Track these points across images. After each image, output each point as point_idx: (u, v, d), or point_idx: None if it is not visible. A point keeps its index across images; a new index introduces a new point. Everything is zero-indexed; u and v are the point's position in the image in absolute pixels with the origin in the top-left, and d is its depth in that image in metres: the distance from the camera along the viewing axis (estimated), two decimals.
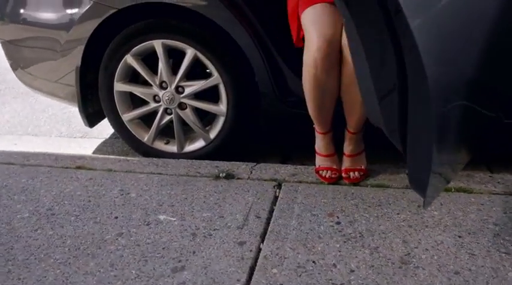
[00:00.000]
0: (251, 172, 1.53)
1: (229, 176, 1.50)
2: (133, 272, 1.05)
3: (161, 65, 1.76)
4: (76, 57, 1.83)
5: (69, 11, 1.80)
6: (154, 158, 1.73)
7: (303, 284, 0.99)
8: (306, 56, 1.30)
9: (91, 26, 1.73)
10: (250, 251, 1.11)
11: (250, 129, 1.79)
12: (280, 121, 1.83)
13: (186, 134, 1.87)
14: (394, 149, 0.99)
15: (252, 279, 1.01)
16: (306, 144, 1.53)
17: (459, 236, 1.13)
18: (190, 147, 1.87)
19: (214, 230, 1.20)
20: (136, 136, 1.91)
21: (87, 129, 2.53)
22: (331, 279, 1.00)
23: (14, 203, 1.39)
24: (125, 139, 1.95)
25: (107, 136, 2.39)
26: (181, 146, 1.86)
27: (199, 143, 1.85)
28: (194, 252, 1.11)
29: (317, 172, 1.48)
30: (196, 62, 1.72)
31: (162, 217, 1.28)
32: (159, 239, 1.18)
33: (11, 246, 1.17)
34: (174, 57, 1.75)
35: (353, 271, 1.03)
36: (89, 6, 1.73)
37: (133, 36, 1.74)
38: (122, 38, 1.75)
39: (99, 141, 2.33)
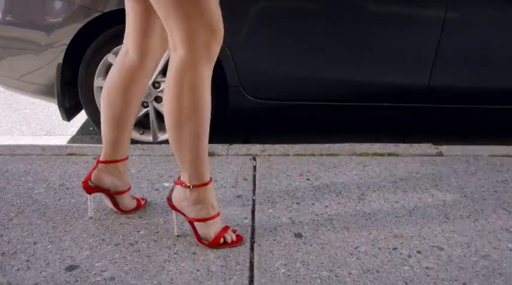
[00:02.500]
0: (228, 151, 1.88)
1: (210, 154, 1.82)
2: (161, 219, 1.35)
3: None
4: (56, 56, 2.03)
5: (51, 14, 2.00)
6: (138, 144, 1.99)
7: (294, 216, 1.37)
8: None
9: (75, 27, 1.96)
10: (248, 200, 1.47)
11: (219, 117, 2.13)
12: (242, 111, 2.20)
13: (159, 125, 2.16)
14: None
15: (255, 217, 1.37)
16: (261, 132, 1.91)
17: (394, 182, 1.60)
18: (163, 136, 2.16)
19: (214, 189, 1.52)
20: None
21: (49, 127, 2.69)
22: (313, 212, 1.39)
23: (24, 183, 1.58)
24: None
25: (72, 134, 2.57)
26: (155, 136, 2.15)
27: None
28: None
29: (217, 243, 1.19)
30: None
31: (166, 184, 1.58)
32: None
33: (44, 212, 1.39)
34: None
35: (327, 206, 1.43)
36: (73, 10, 1.96)
37: (115, 37, 2.00)
38: (104, 38, 2.00)
39: (66, 138, 2.50)
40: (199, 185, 1.16)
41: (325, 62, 2.04)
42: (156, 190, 1.54)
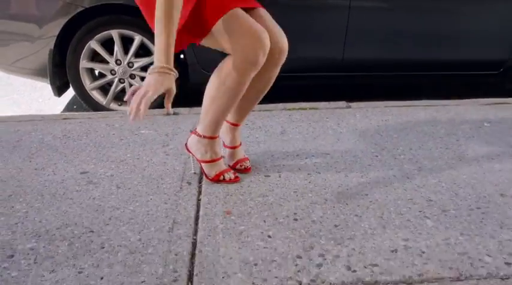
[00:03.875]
0: (189, 111, 2.55)
1: (176, 113, 2.50)
2: (141, 149, 2.01)
3: (117, 48, 2.69)
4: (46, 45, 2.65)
5: (43, 10, 2.62)
6: (119, 111, 2.64)
7: None
8: (245, 56, 1.39)
9: (63, 20, 2.59)
10: None
11: (180, 89, 2.79)
12: (199, 82, 2.86)
13: None
14: None
15: None
16: None
17: (309, 123, 2.32)
18: None
19: (177, 134, 2.19)
20: (97, 101, 2.79)
21: (37, 107, 3.28)
22: (247, 141, 2.09)
23: (34, 136, 2.21)
24: (88, 103, 2.81)
25: (59, 112, 3.17)
26: None
27: None
28: (170, 139, 2.11)
29: (217, 179, 1.63)
30: (141, 45, 2.69)
31: (143, 131, 2.24)
32: (147, 137, 2.14)
33: (56, 149, 2.03)
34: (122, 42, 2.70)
35: (257, 137, 2.13)
36: (61, 5, 2.58)
37: (96, 27, 2.64)
38: (87, 28, 2.64)
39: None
40: (208, 137, 1.59)
41: None
42: (136, 134, 2.20)
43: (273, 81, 1.61)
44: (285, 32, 1.51)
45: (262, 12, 1.56)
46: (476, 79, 3.07)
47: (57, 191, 1.63)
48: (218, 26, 1.40)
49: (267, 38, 1.41)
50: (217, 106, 1.51)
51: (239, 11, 1.42)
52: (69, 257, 1.25)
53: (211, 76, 1.53)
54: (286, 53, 1.55)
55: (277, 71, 1.59)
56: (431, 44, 2.88)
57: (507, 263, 1.22)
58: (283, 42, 1.52)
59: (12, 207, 1.52)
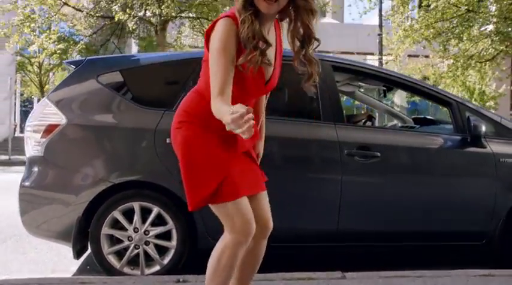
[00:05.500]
0: (196, 279, 2.82)
1: (185, 281, 2.77)
2: None
3: (136, 218, 3.08)
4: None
5: (81, 183, 3.08)
6: (131, 276, 2.91)
7: None
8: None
9: (95, 191, 3.03)
10: None
11: (189, 257, 3.08)
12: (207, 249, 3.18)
13: (147, 262, 3.10)
14: None
15: None
16: None
17: None
18: (149, 271, 3.09)
19: None
20: (112, 264, 3.08)
21: (53, 266, 3.56)
22: None
23: None
24: (102, 266, 3.09)
25: (73, 271, 3.44)
26: (143, 271, 3.08)
27: (155, 268, 3.09)
28: None
29: None
30: (157, 215, 3.08)
31: None
32: None
33: None
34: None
35: None
36: (95, 180, 3.05)
37: (120, 200, 3.07)
38: (113, 200, 3.07)
39: (69, 274, 3.36)
40: None
41: None
42: None
43: (264, 248, 2.03)
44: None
45: (263, 196, 2.00)
46: (462, 249, 3.38)
47: None
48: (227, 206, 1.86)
49: (254, 225, 1.87)
50: (217, 282, 1.89)
51: (244, 198, 1.88)
52: None
53: (210, 258, 1.91)
54: (271, 230, 2.02)
55: (266, 242, 2.03)
56: (418, 216, 3.27)
57: None
58: (271, 223, 2.02)
59: None
